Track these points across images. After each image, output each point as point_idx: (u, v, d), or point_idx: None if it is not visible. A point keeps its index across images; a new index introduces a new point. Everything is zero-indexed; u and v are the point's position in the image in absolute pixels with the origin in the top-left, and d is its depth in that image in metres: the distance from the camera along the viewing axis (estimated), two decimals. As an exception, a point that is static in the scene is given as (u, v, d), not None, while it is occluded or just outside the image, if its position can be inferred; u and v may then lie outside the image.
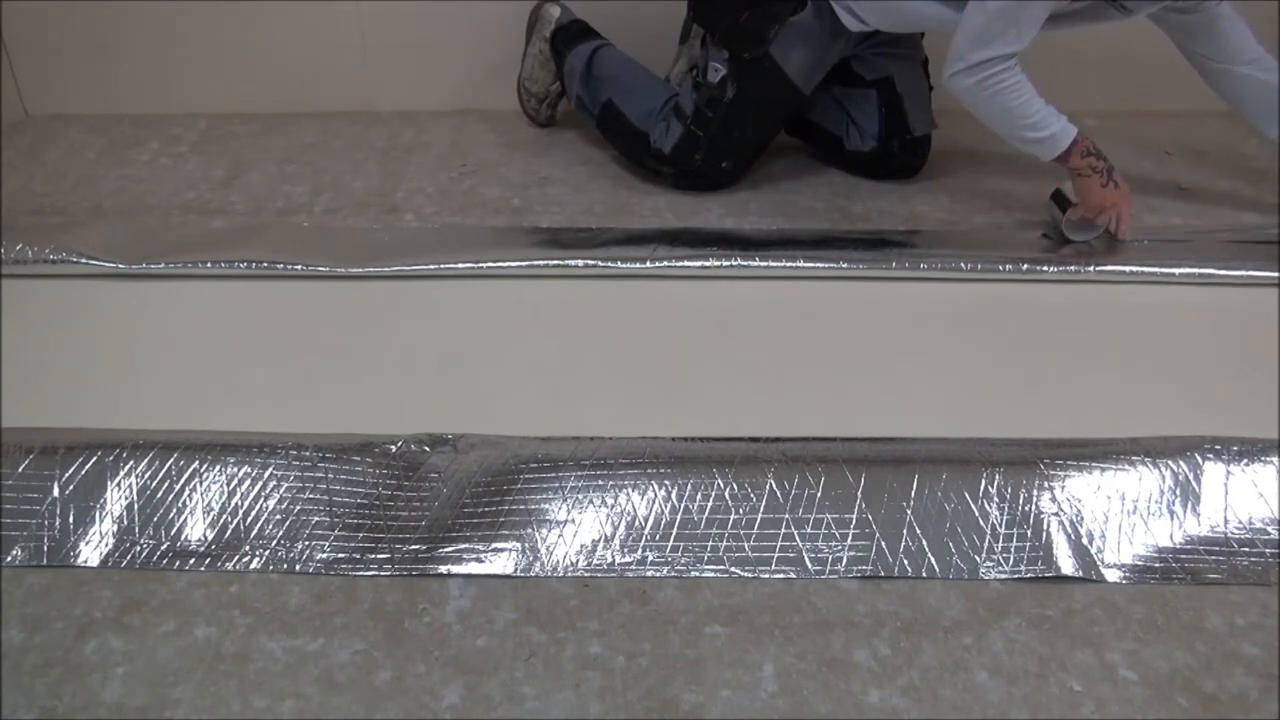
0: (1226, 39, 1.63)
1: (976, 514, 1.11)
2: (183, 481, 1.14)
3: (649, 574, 1.07)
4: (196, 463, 1.15)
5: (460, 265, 1.59)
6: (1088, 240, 1.64)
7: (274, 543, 1.10)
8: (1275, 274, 1.56)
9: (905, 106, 1.83)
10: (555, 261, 1.59)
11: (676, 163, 1.81)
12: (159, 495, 1.13)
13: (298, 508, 1.12)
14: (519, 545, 1.09)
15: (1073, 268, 1.57)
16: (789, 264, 1.58)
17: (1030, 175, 1.91)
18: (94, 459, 1.14)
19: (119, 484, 1.13)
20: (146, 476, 1.14)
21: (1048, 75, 2.14)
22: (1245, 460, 1.15)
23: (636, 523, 1.11)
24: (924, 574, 1.07)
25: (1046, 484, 1.13)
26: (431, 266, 1.59)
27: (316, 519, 1.11)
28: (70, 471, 1.14)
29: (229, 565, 1.08)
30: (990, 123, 1.59)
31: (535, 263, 1.59)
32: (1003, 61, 1.52)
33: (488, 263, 1.59)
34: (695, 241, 1.64)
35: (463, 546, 1.09)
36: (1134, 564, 1.08)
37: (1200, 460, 1.15)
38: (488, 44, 2.11)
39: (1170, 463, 1.14)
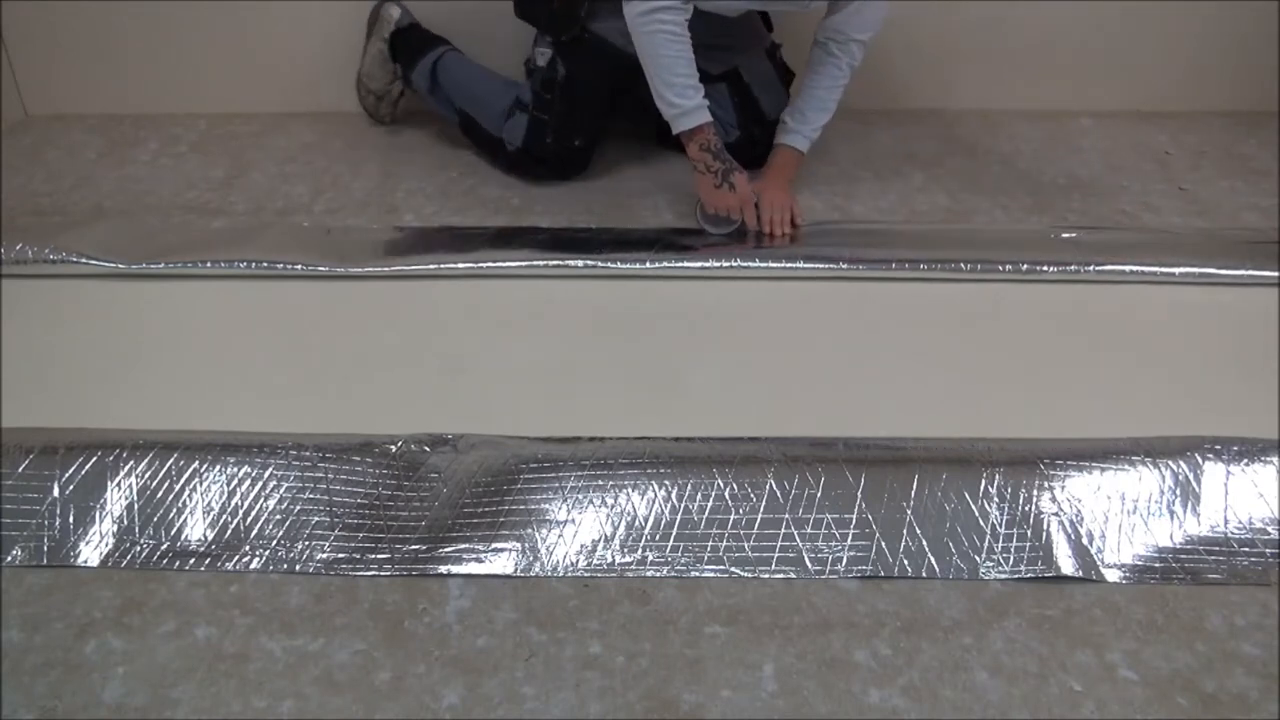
0: (847, 19, 1.66)
1: (976, 514, 1.11)
2: (183, 481, 1.14)
3: (649, 574, 1.07)
4: (196, 463, 1.15)
5: (460, 265, 1.60)
6: (723, 234, 1.66)
7: (274, 543, 1.10)
8: (1275, 274, 1.56)
9: (755, 94, 1.87)
10: (555, 261, 1.59)
11: (531, 153, 1.85)
12: (159, 495, 1.13)
13: (298, 508, 1.12)
14: (519, 545, 1.09)
15: (1073, 267, 1.57)
16: (788, 264, 1.58)
17: (1029, 175, 1.92)
18: (94, 459, 1.14)
19: (119, 484, 1.13)
20: (146, 476, 1.14)
21: (1049, 75, 2.16)
22: (1245, 460, 1.15)
23: (636, 523, 1.11)
24: (924, 574, 1.07)
25: (1046, 484, 1.13)
26: (431, 266, 1.59)
27: (316, 519, 1.11)
28: (70, 471, 1.14)
29: (229, 565, 1.08)
30: (645, 66, 1.62)
31: (535, 263, 1.59)
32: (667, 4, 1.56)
33: (488, 263, 1.59)
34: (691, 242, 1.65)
35: (463, 546, 1.09)
36: (1134, 564, 1.08)
37: (1200, 460, 1.15)
38: (488, 44, 2.11)
39: (1170, 463, 1.14)
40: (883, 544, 1.09)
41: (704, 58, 1.82)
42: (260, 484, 1.14)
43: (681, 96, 1.60)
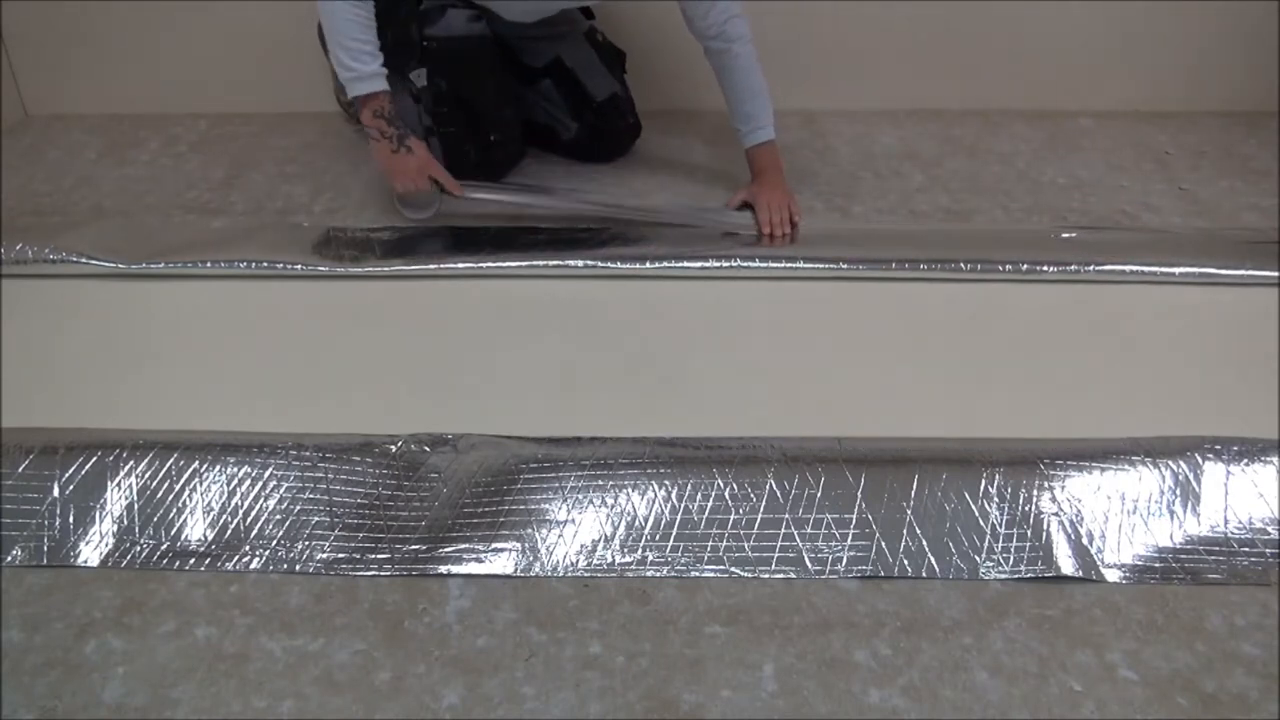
0: (705, 14, 1.65)
1: (976, 514, 1.11)
2: (183, 481, 1.14)
3: (649, 574, 1.07)
4: (196, 463, 1.15)
5: (460, 265, 1.60)
6: (423, 218, 1.66)
7: (274, 543, 1.10)
8: (1275, 274, 1.56)
9: (581, 78, 1.86)
10: (555, 261, 1.59)
11: (460, 170, 1.82)
12: (159, 495, 1.13)
13: (298, 508, 1.12)
14: (519, 545, 1.09)
15: (1073, 267, 1.57)
16: (789, 264, 1.58)
17: (1029, 175, 1.92)
18: (94, 459, 1.14)
19: (119, 484, 1.13)
20: (146, 476, 1.14)
21: (1049, 75, 2.16)
22: (1245, 460, 1.15)
23: (636, 523, 1.11)
24: (924, 574, 1.07)
25: (1046, 484, 1.13)
26: (431, 266, 1.59)
27: (316, 519, 1.12)
28: (70, 471, 1.14)
29: (229, 565, 1.08)
30: (324, 28, 1.59)
31: (535, 263, 1.59)
32: None
33: (488, 263, 1.59)
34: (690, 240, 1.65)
35: (463, 546, 1.09)
36: (1134, 564, 1.08)
37: (1200, 460, 1.15)
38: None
39: (1170, 463, 1.14)
40: (883, 544, 1.09)
41: (524, 51, 1.81)
42: (260, 484, 1.14)
43: (357, 61, 1.57)
